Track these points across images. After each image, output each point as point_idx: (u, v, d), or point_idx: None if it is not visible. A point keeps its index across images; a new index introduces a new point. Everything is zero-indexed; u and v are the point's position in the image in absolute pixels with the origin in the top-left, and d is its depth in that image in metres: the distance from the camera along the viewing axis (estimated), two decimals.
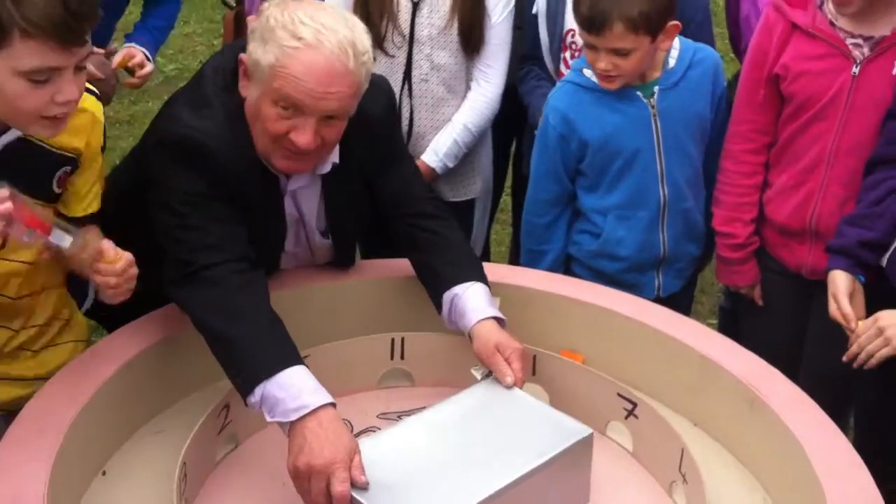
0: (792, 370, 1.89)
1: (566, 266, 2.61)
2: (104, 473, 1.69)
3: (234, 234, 1.75)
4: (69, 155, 1.74)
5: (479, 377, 1.82)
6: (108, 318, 2.13)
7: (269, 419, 1.58)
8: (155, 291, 1.89)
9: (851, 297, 2.07)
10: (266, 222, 1.86)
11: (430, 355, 1.96)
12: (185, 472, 1.56)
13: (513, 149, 3.28)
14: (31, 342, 1.86)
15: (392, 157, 1.99)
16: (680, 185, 2.44)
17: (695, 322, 2.04)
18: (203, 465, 1.68)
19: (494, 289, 2.01)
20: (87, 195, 1.82)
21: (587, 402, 1.88)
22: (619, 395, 1.82)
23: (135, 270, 1.66)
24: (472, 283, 1.89)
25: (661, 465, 1.75)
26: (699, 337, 1.93)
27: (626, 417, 1.82)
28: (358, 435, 1.81)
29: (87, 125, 1.75)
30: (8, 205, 1.43)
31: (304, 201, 1.92)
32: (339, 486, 1.48)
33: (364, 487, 1.50)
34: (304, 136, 1.70)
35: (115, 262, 1.62)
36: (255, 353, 1.61)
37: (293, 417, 1.55)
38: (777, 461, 1.69)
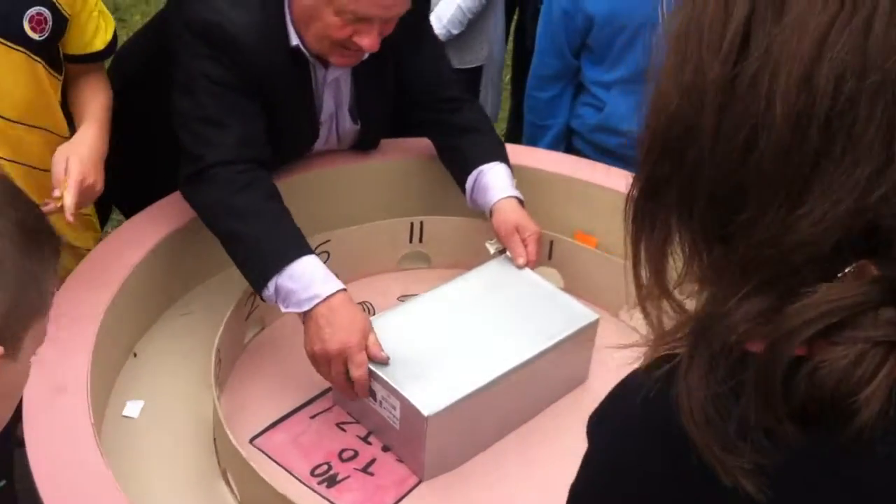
0: None
1: (567, 140, 2.61)
2: (135, 355, 1.73)
3: (252, 134, 1.73)
4: None
5: (492, 251, 1.86)
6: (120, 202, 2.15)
7: (283, 310, 1.62)
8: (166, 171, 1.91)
9: None
10: (297, 118, 1.84)
11: (448, 238, 1.99)
12: (219, 358, 1.61)
13: (514, 21, 3.22)
14: None
15: (421, 37, 1.95)
16: None
17: None
18: (233, 348, 1.72)
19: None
20: (84, 32, 1.78)
21: (601, 285, 1.93)
22: None
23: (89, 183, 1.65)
24: (497, 162, 1.90)
25: None
26: None
27: None
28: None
29: None
30: None
31: (342, 89, 1.89)
32: (357, 371, 1.53)
33: (384, 363, 1.55)
34: (369, 40, 1.66)
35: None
36: (263, 248, 1.62)
37: (306, 307, 1.58)
38: None
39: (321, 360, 1.57)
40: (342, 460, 1.57)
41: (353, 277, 1.93)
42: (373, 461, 1.57)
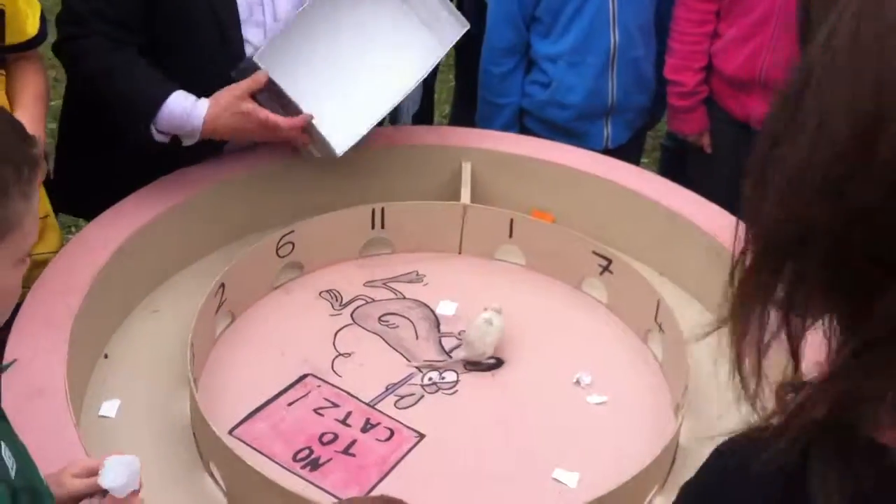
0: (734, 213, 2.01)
1: (519, 121, 2.65)
2: (106, 356, 1.73)
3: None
4: None
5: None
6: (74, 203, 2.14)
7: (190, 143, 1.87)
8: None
9: None
10: None
11: (409, 223, 2.01)
12: (192, 353, 1.61)
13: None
14: None
15: None
16: (631, 31, 2.48)
17: (659, 177, 2.13)
18: (205, 342, 1.73)
19: (464, 152, 2.08)
20: (15, 21, 1.76)
21: (562, 259, 1.97)
22: (594, 252, 1.92)
23: None
24: None
25: (636, 316, 1.87)
26: (664, 191, 2.03)
27: (602, 273, 1.92)
28: (347, 304, 1.89)
29: None
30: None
31: None
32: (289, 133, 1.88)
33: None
34: None
35: None
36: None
37: (199, 135, 1.84)
38: None
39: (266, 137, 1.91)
40: (323, 444, 1.59)
41: (318, 266, 1.95)
42: (353, 443, 1.59)
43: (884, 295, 0.57)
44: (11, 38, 1.77)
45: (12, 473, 1.09)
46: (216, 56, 1.85)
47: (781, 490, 0.63)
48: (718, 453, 0.70)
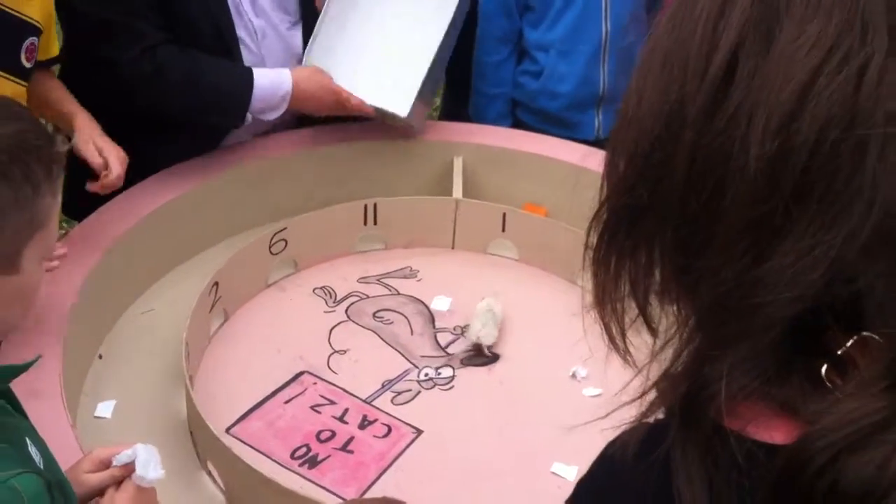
0: None
1: (512, 113, 2.65)
2: (100, 357, 1.72)
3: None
4: (33, 23, 1.68)
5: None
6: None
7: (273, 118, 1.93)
8: None
9: None
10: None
11: (402, 218, 2.01)
12: (187, 351, 1.61)
13: None
14: None
15: None
16: (623, 19, 2.48)
17: None
18: (199, 340, 1.72)
19: (456, 147, 2.08)
20: (48, 40, 1.79)
21: (555, 253, 1.97)
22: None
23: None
24: None
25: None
26: None
27: None
28: (342, 301, 1.88)
29: None
30: None
31: None
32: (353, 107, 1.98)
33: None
34: None
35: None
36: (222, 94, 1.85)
37: (287, 103, 1.90)
38: None
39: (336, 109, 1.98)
40: (320, 441, 1.58)
41: (312, 263, 1.95)
42: (351, 439, 1.59)
43: (699, 279, 0.59)
44: (41, 55, 1.79)
45: (41, 468, 1.09)
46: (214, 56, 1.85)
47: (664, 480, 0.62)
48: (608, 448, 0.69)
